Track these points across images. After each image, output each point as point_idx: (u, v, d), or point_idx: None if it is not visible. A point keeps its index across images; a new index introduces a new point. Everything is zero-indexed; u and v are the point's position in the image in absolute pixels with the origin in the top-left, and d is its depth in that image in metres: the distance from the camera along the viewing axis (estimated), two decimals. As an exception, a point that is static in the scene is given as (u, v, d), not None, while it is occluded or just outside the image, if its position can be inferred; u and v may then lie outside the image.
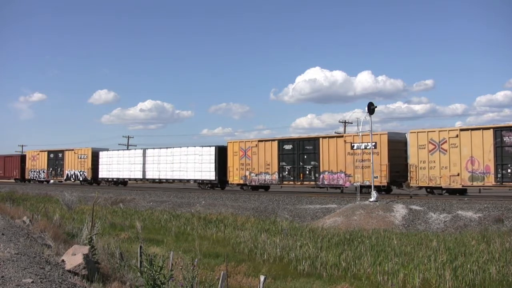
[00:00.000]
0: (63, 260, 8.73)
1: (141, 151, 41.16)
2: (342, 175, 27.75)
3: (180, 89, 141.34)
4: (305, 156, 29.70)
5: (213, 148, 35.00)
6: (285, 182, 30.90)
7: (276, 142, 31.26)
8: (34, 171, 51.65)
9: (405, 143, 27.11)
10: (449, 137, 23.86)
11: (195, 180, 36.45)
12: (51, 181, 50.84)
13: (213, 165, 34.77)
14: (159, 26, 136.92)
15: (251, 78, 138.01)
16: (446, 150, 23.90)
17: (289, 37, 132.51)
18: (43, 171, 50.52)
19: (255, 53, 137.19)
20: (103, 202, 30.79)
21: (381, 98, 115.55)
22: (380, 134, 26.51)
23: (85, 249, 8.71)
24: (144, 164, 40.39)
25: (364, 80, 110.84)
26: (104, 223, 18.24)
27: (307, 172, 29.56)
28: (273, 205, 25.63)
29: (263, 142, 32.02)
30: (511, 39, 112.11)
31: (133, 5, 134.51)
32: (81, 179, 46.33)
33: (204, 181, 35.74)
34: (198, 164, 35.64)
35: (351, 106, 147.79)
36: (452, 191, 24.47)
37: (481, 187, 25.06)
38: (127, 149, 54.63)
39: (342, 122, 55.61)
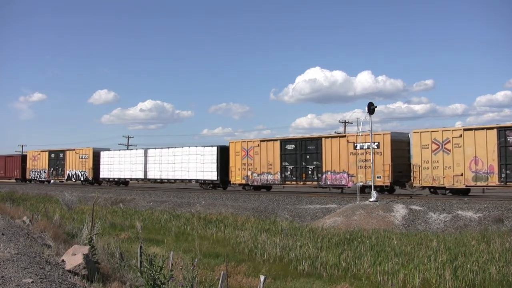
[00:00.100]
0: (63, 260, 8.75)
1: (143, 151, 41.15)
2: (345, 175, 27.73)
3: (180, 89, 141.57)
4: (308, 156, 29.67)
5: (215, 148, 34.99)
6: (287, 182, 30.85)
7: (278, 142, 31.23)
8: (35, 171, 51.70)
9: (408, 143, 27.03)
10: (452, 137, 23.77)
11: (197, 180, 36.44)
12: (52, 181, 50.85)
13: (215, 165, 34.76)
14: (159, 26, 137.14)
15: (251, 78, 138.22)
16: (449, 150, 23.82)
17: (289, 37, 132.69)
18: (44, 171, 50.57)
19: (255, 53, 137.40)
20: (103, 202, 30.82)
21: (381, 98, 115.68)
22: (383, 134, 26.48)
23: (85, 249, 8.73)
24: (145, 164, 40.39)
25: (364, 80, 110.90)
26: (104, 223, 18.25)
27: (310, 172, 29.52)
28: (273, 205, 25.63)
29: (265, 142, 31.99)
30: (511, 39, 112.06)
31: (133, 5, 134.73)
32: (82, 179, 46.36)
33: (206, 181, 35.73)
34: (200, 164, 35.64)
35: (351, 106, 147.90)
36: (455, 191, 24.37)
37: (485, 187, 24.97)
38: (127, 149, 54.67)
39: (342, 122, 55.74)
